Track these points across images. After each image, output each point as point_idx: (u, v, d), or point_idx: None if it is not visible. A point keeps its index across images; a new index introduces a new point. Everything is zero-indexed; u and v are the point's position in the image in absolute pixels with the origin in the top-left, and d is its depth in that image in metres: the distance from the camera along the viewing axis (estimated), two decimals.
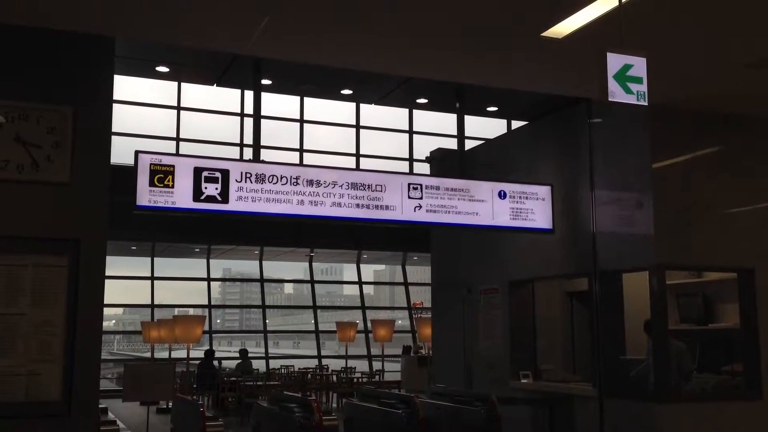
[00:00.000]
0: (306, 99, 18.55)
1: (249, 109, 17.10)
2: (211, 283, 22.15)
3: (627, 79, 4.44)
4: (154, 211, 6.13)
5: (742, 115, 7.00)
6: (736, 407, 6.58)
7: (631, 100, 4.42)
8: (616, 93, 4.38)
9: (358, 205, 6.77)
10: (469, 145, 10.41)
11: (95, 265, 5.36)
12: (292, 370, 18.10)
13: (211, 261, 22.19)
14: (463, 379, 9.04)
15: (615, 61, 4.38)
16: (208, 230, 18.72)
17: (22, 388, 5.05)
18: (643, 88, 4.46)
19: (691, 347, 7.51)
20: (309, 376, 17.49)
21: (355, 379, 16.83)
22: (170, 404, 8.62)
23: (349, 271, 24.39)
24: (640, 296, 6.93)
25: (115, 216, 5.68)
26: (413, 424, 6.49)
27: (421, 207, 7.00)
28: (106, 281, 5.52)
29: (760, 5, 4.88)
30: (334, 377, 17.75)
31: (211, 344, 19.42)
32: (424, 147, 18.85)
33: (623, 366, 6.97)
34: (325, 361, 21.10)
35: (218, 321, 22.94)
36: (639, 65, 4.44)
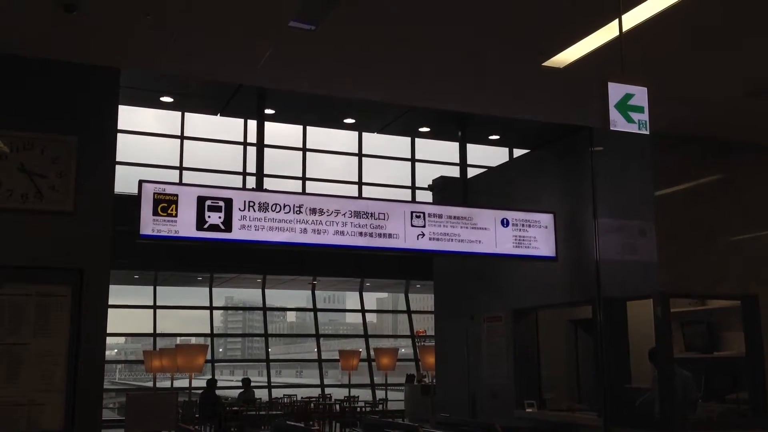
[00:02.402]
0: (309, 128, 18.66)
1: (252, 138, 17.19)
2: (214, 311, 22.08)
3: (628, 108, 4.47)
4: (158, 240, 6.14)
5: (745, 142, 7.02)
6: None
7: (632, 129, 4.44)
8: (617, 122, 4.40)
9: (360, 234, 6.78)
10: (471, 173, 10.44)
11: (98, 294, 5.35)
12: (295, 399, 17.96)
13: (213, 289, 22.14)
14: (467, 408, 8.97)
15: (616, 91, 4.41)
16: (211, 258, 18.72)
17: (24, 418, 5.02)
18: (645, 117, 4.49)
19: (696, 375, 7.45)
20: (312, 405, 17.35)
21: (359, 409, 16.70)
22: None
23: (351, 299, 24.31)
24: (645, 324, 6.89)
25: (119, 245, 5.69)
26: None
27: (423, 235, 7.00)
28: (109, 310, 5.51)
29: (758, 35, 4.93)
30: (337, 406, 17.61)
31: (213, 373, 19.30)
32: (426, 175, 18.91)
33: (628, 395, 6.92)
34: (328, 390, 20.94)
35: (221, 350, 22.83)
36: (640, 94, 4.47)
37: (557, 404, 7.92)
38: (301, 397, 18.06)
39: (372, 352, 21.16)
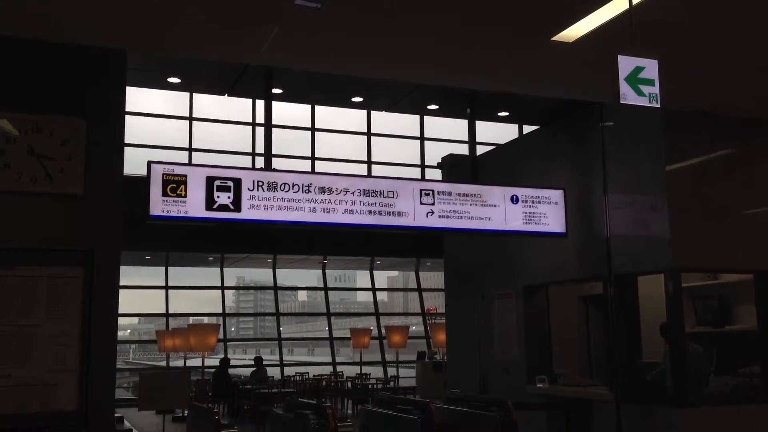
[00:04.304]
0: (317, 107, 18.61)
1: (260, 118, 17.18)
2: (225, 291, 22.22)
3: (639, 81, 4.42)
4: (167, 220, 6.16)
5: (757, 118, 6.95)
6: (755, 409, 6.52)
7: (643, 102, 4.40)
8: (627, 95, 4.36)
9: (370, 212, 6.78)
10: (480, 150, 10.39)
11: (109, 275, 5.39)
12: (307, 377, 18.10)
13: (224, 269, 22.26)
14: (478, 385, 9.01)
15: (626, 64, 4.36)
16: (222, 239, 18.80)
17: (38, 399, 5.08)
18: (655, 90, 4.44)
19: (707, 350, 7.45)
20: (324, 383, 17.48)
21: (370, 386, 16.81)
22: (185, 413, 8.64)
23: (362, 278, 24.39)
24: (656, 299, 6.88)
25: (129, 226, 5.71)
26: (429, 429, 6.46)
27: (433, 213, 6.99)
28: (121, 291, 5.54)
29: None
30: (349, 384, 17.73)
31: (225, 352, 19.46)
32: (435, 153, 18.86)
33: (640, 370, 6.92)
34: (339, 368, 21.09)
35: (233, 329, 23.01)
36: (651, 67, 4.42)
37: (568, 380, 7.94)
38: (313, 375, 18.19)
39: (383, 330, 21.26)
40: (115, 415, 5.74)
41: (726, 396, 6.67)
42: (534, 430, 7.88)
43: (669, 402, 6.39)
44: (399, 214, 6.87)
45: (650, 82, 4.42)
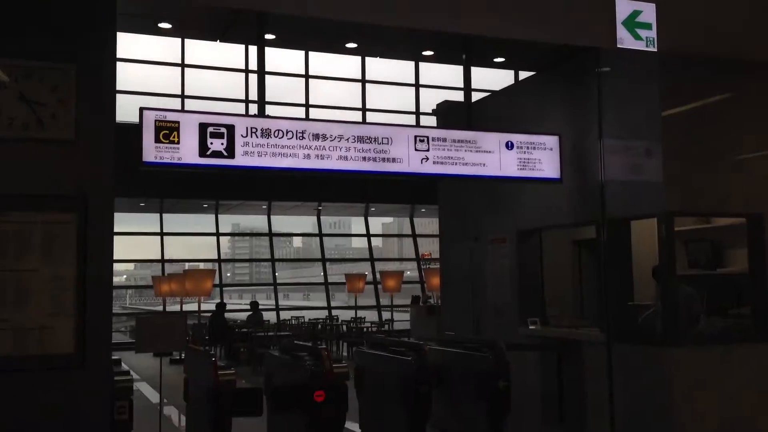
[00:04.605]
0: (311, 54, 18.37)
1: (253, 65, 16.98)
2: (221, 238, 22.31)
3: (636, 25, 4.39)
4: (161, 167, 6.16)
5: (756, 60, 6.89)
6: (744, 349, 6.65)
7: (639, 46, 4.38)
8: (624, 39, 4.34)
9: (364, 158, 6.77)
10: (476, 97, 10.31)
11: (104, 220, 5.41)
12: (303, 321, 18.31)
13: (219, 216, 22.30)
14: (471, 328, 9.14)
15: (624, 8, 4.32)
16: (216, 186, 18.80)
17: (35, 342, 5.17)
18: (652, 34, 4.42)
19: (699, 292, 7.56)
20: (319, 326, 17.71)
21: (365, 329, 17.04)
22: (183, 355, 8.77)
23: (357, 225, 24.48)
24: (649, 243, 6.94)
25: (123, 173, 5.72)
26: (422, 370, 6.59)
27: (427, 159, 6.99)
28: (116, 237, 5.57)
29: None
30: (344, 327, 17.98)
31: (221, 297, 19.65)
32: (430, 100, 18.72)
33: (631, 312, 7.03)
34: (334, 312, 21.34)
35: (228, 275, 23.16)
36: (648, 11, 4.39)
37: (560, 322, 8.06)
38: (309, 319, 18.41)
39: (378, 276, 21.45)
40: (113, 357, 5.83)
41: (715, 336, 6.79)
42: (526, 371, 8.03)
43: (659, 342, 6.51)
44: (393, 160, 6.87)
45: (647, 26, 4.40)
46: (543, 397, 7.88)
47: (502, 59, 12.26)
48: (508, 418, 6.91)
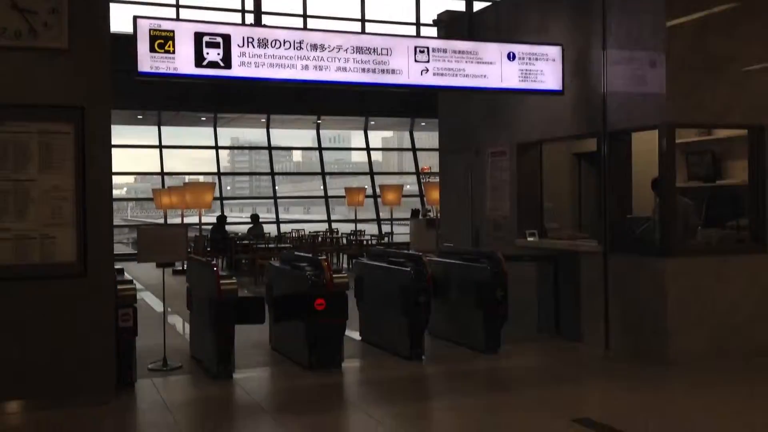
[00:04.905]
0: None
1: None
2: (220, 152, 22.24)
3: None
4: (156, 77, 6.08)
5: None
6: (740, 260, 6.73)
7: None
8: None
9: (363, 70, 6.67)
10: (478, 6, 10.06)
11: (101, 130, 5.41)
12: (303, 234, 18.46)
13: (218, 129, 22.16)
14: (470, 241, 9.23)
15: None
16: (214, 98, 18.60)
17: (37, 251, 5.25)
18: None
19: (697, 204, 7.59)
20: (319, 239, 17.86)
21: (365, 242, 17.20)
22: (185, 266, 8.90)
23: (357, 139, 24.35)
24: (649, 155, 6.93)
25: (120, 85, 5.67)
26: (421, 280, 6.69)
27: (428, 70, 6.89)
28: (115, 150, 5.58)
29: None
30: (344, 240, 18.14)
31: (222, 210, 19.75)
32: (431, 10, 18.28)
33: (629, 224, 7.08)
34: (334, 226, 21.50)
35: (228, 188, 23.20)
36: None
37: (559, 234, 8.13)
38: (309, 232, 18.56)
39: (377, 189, 21.49)
40: (116, 267, 5.92)
41: (712, 247, 6.86)
42: (523, 282, 8.16)
43: (655, 253, 6.58)
44: (393, 72, 6.77)
45: None
46: (539, 306, 8.03)
47: None
48: (504, 326, 7.07)
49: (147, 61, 5.95)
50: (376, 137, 24.34)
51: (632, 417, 5.06)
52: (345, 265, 16.68)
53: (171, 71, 6.03)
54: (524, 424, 4.99)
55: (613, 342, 7.07)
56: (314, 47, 6.50)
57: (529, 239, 8.14)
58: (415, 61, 6.84)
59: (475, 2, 9.54)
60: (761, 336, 6.75)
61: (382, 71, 6.74)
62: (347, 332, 6.63)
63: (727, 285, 6.64)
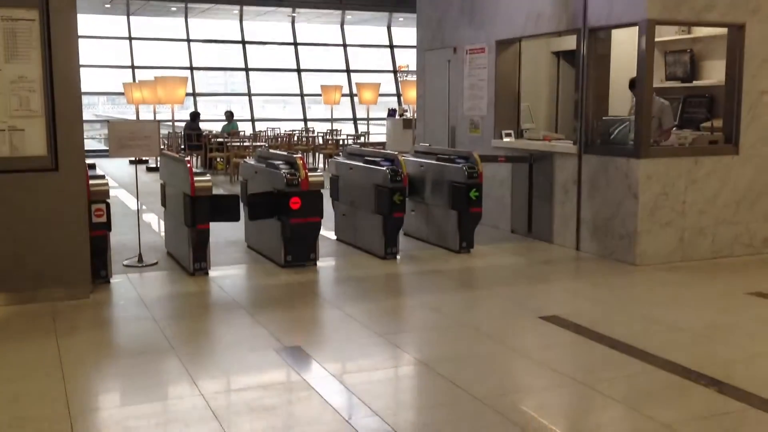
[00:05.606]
0: None
1: None
2: (192, 44, 21.61)
3: None
4: None
5: None
6: (712, 161, 6.78)
7: None
8: None
9: None
10: None
11: (67, 18, 5.20)
12: (279, 132, 18.25)
13: (189, 21, 21.46)
14: (447, 141, 9.18)
15: None
16: None
17: (6, 143, 5.13)
18: None
19: (673, 105, 7.58)
20: (295, 138, 17.69)
21: (341, 141, 17.08)
22: (158, 163, 8.79)
23: (333, 34, 23.75)
24: (628, 55, 6.84)
25: None
26: (397, 180, 6.68)
27: None
28: (83, 41, 5.37)
29: None
30: (320, 139, 18.00)
31: (195, 106, 19.38)
32: None
33: (605, 125, 7.06)
34: (311, 125, 21.26)
35: (201, 83, 22.68)
36: None
37: (535, 134, 8.11)
38: (285, 131, 18.35)
39: (354, 88, 21.14)
40: (88, 162, 5.82)
41: (686, 148, 6.89)
42: (497, 182, 8.20)
43: (629, 153, 6.61)
44: None
45: None
46: (512, 207, 8.10)
47: None
48: (478, 226, 7.14)
49: None
50: (353, 32, 23.73)
51: (597, 314, 5.21)
52: (321, 165, 16.62)
53: None
54: (494, 321, 5.11)
55: (583, 243, 7.19)
56: None
57: (505, 140, 8.12)
58: None
59: None
60: (726, 237, 6.90)
61: None
62: (323, 232, 6.65)
63: (699, 186, 6.72)
